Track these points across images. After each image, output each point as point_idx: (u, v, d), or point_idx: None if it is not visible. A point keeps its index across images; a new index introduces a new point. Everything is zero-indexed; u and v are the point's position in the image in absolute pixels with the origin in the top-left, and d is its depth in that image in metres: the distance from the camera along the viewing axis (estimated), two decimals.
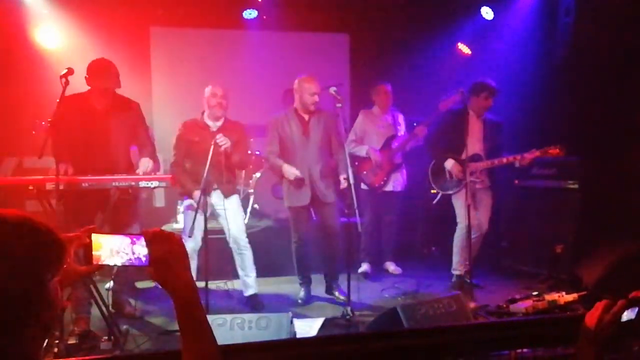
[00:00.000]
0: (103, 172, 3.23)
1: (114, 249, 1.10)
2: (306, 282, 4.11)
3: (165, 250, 1.04)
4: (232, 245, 3.88)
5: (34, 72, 5.12)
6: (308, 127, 3.95)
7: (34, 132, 4.42)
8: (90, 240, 1.11)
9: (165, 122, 5.09)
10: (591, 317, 1.22)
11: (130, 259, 1.08)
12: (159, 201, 5.65)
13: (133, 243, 1.08)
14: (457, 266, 4.32)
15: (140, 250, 1.07)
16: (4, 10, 4.99)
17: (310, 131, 3.94)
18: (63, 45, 5.22)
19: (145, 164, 3.38)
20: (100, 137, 3.40)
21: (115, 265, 1.12)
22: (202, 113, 3.87)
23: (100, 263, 1.11)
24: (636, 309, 1.22)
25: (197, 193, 3.54)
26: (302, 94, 3.89)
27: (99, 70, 3.34)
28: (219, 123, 3.83)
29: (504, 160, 4.13)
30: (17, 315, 0.87)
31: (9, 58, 5.15)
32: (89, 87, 3.42)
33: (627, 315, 1.22)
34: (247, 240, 3.89)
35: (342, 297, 3.93)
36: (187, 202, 3.82)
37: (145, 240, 1.05)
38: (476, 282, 4.21)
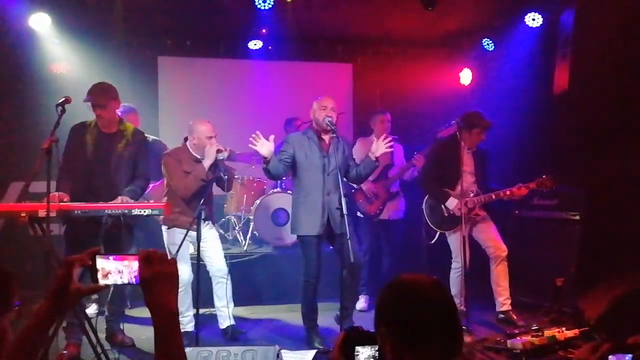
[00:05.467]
0: (104, 198, 3.31)
1: (113, 270, 1.16)
2: (315, 326, 3.76)
3: (155, 271, 1.07)
4: (215, 274, 3.85)
5: (43, 100, 5.28)
6: (328, 150, 3.69)
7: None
8: (94, 262, 1.16)
9: None
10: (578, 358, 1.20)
11: (129, 279, 1.15)
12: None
13: (130, 263, 1.15)
14: (458, 306, 4.13)
15: (136, 270, 1.13)
16: (17, 40, 5.20)
17: (329, 154, 3.67)
18: (73, 74, 5.37)
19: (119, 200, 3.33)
20: (103, 160, 3.48)
21: (112, 284, 1.19)
22: (185, 140, 3.86)
23: (101, 283, 1.18)
24: (628, 356, 1.19)
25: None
26: (315, 111, 3.73)
27: (94, 89, 3.47)
28: None
29: (501, 194, 3.95)
30: None
31: (19, 86, 5.34)
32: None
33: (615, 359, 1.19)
34: (227, 269, 3.87)
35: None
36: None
37: (139, 260, 1.10)
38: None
